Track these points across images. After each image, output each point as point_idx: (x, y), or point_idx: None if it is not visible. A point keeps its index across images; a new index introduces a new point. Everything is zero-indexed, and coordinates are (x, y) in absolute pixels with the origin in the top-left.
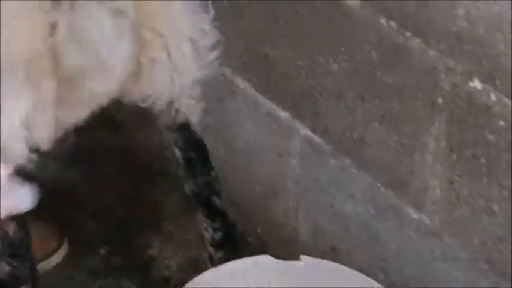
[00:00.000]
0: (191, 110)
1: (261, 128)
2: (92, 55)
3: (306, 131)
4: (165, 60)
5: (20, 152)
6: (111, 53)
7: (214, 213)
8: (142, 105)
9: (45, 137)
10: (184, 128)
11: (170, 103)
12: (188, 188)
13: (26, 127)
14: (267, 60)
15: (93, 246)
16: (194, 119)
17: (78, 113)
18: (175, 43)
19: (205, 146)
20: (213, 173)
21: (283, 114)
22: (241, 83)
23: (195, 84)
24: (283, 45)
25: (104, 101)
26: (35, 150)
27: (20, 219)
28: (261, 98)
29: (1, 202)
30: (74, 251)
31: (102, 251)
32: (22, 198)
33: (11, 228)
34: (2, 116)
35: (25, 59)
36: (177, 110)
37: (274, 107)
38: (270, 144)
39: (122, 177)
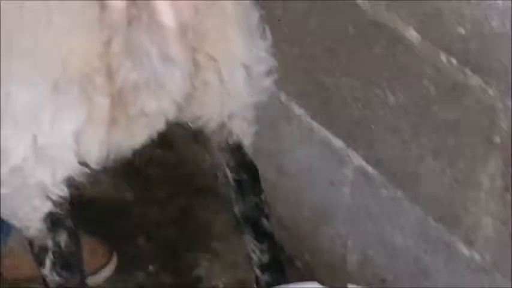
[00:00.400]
0: (243, 133)
1: (314, 155)
2: (147, 71)
3: (359, 161)
4: (217, 84)
5: (69, 164)
6: (168, 72)
7: (262, 235)
8: (193, 126)
9: (95, 155)
10: (236, 149)
11: (222, 125)
12: (237, 209)
13: (76, 141)
14: (324, 88)
15: (142, 263)
16: (246, 141)
17: (134, 137)
18: (229, 68)
19: (256, 168)
20: (262, 196)
21: (337, 143)
22: (296, 109)
23: (248, 107)
24: (341, 74)
25: (159, 124)
26: (86, 164)
27: (72, 231)
28: (315, 125)
29: None
30: (123, 266)
31: (150, 268)
32: None
33: (62, 239)
34: (55, 126)
35: (80, 75)
36: (229, 132)
37: (329, 134)
38: (322, 172)
39: (173, 196)
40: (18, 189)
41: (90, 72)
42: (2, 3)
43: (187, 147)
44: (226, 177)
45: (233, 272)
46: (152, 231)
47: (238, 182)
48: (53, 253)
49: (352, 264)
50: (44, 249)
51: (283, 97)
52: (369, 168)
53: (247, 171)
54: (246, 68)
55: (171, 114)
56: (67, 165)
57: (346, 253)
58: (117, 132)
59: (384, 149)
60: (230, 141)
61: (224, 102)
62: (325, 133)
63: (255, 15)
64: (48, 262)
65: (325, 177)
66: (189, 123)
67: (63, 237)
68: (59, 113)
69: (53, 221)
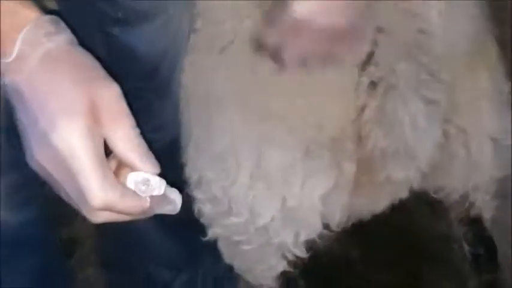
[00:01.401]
0: (485, 206)
1: None
2: (398, 140)
3: None
4: (463, 156)
5: (313, 227)
6: (418, 141)
7: None
8: (434, 195)
9: (338, 218)
10: (476, 223)
11: (465, 196)
12: (472, 283)
13: (324, 204)
14: None
15: None
16: (486, 214)
17: (376, 203)
18: (477, 141)
19: (494, 243)
20: (499, 273)
21: None
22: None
23: (493, 181)
24: None
25: (403, 191)
26: (327, 227)
27: None
28: None
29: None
30: None
31: None
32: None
33: None
34: (304, 190)
35: (333, 140)
36: (471, 204)
37: None
38: None
39: (400, 261)
40: (260, 248)
41: (342, 138)
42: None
43: (421, 213)
44: (463, 249)
45: None
46: None
47: (476, 257)
48: None
49: None
50: None
51: None
52: None
53: (486, 246)
54: (495, 141)
55: (416, 182)
56: (311, 228)
57: None
58: (360, 197)
59: None
60: (471, 214)
61: (469, 175)
62: None
63: (506, 87)
64: None
65: None
66: (432, 193)
67: None
68: (309, 177)
69: (287, 280)
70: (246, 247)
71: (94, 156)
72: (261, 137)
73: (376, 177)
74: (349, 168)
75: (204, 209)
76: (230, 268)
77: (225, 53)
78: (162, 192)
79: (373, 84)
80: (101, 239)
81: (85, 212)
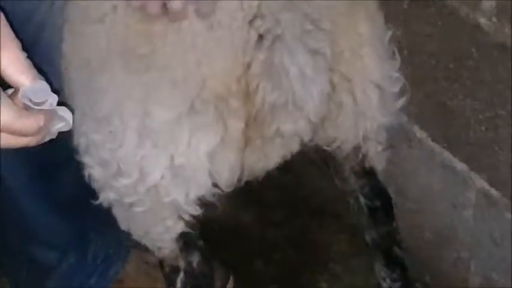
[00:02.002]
0: (377, 157)
1: (436, 178)
2: (285, 92)
3: (482, 183)
4: (350, 104)
5: (203, 184)
6: (306, 91)
7: (394, 264)
8: (327, 148)
9: (228, 176)
10: (371, 175)
11: (357, 148)
12: (369, 236)
13: (210, 162)
14: (446, 110)
15: (260, 286)
16: (379, 166)
17: (268, 159)
18: (362, 88)
19: (389, 195)
20: (395, 223)
21: (460, 166)
22: (417, 132)
23: (382, 129)
24: (464, 96)
25: (294, 145)
26: (217, 185)
27: (204, 251)
28: (437, 148)
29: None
30: None
31: None
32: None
33: (195, 260)
34: (191, 146)
35: (217, 97)
36: (364, 156)
37: (451, 157)
38: (444, 194)
39: (291, 218)
40: (152, 209)
41: (227, 95)
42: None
43: (306, 169)
44: (359, 203)
45: None
46: (270, 254)
47: (372, 210)
48: (185, 273)
49: None
50: (175, 270)
51: (404, 119)
52: (493, 191)
53: (382, 199)
54: (380, 88)
55: (307, 135)
56: (200, 186)
57: (469, 276)
58: (251, 154)
59: (509, 172)
60: (366, 166)
61: (358, 124)
62: (447, 156)
63: (387, 35)
64: (179, 283)
65: (447, 200)
66: (324, 147)
67: (195, 258)
68: (194, 134)
69: (185, 241)
70: (138, 209)
71: None
72: (145, 94)
73: (265, 131)
74: (236, 125)
75: (94, 173)
76: (119, 245)
77: (104, 22)
78: (54, 105)
79: (260, 38)
80: None
81: None
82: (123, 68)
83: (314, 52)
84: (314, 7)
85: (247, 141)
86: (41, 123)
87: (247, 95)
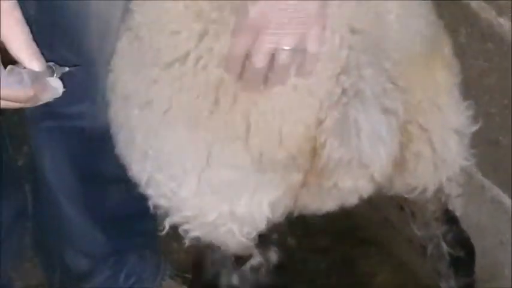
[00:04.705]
0: (458, 200)
1: (484, 213)
2: (352, 150)
3: None
4: (429, 154)
5: (260, 226)
6: (374, 151)
7: None
8: (407, 196)
9: (282, 215)
10: (453, 221)
11: (439, 191)
12: (446, 284)
13: (271, 212)
14: (498, 146)
15: None
16: (459, 210)
17: (322, 205)
18: (441, 136)
19: (472, 245)
20: (474, 276)
21: (508, 201)
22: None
23: (462, 171)
24: None
25: (351, 199)
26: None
27: None
28: (487, 183)
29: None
30: None
31: None
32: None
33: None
34: (252, 200)
35: (288, 157)
36: (447, 199)
37: (500, 193)
38: (492, 230)
39: (336, 245)
40: (209, 234)
41: (297, 154)
42: None
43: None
44: (440, 250)
45: None
46: (315, 280)
47: (454, 258)
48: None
49: None
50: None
51: None
52: None
53: (466, 249)
54: (458, 133)
55: (366, 192)
56: (256, 225)
57: None
58: (307, 195)
59: None
60: (448, 209)
61: (439, 170)
62: (497, 191)
63: (459, 78)
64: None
65: (496, 236)
66: (404, 195)
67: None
68: (259, 188)
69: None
70: (196, 233)
71: None
72: (208, 148)
73: (324, 183)
74: (298, 177)
75: (159, 203)
76: (155, 271)
77: (173, 68)
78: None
79: (342, 93)
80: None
81: None
82: (186, 121)
83: (388, 111)
84: (394, 63)
85: (304, 184)
86: (30, 94)
87: (314, 150)
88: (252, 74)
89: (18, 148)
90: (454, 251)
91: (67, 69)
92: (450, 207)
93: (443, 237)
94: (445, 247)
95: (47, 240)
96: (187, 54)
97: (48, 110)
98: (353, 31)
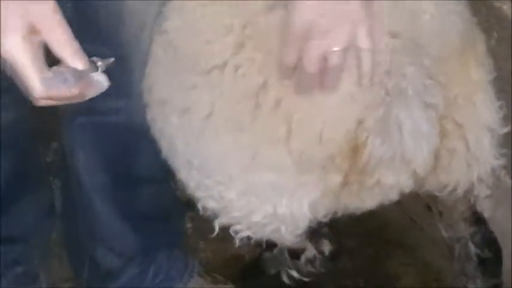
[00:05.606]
0: (486, 201)
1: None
2: (395, 146)
3: None
4: (463, 150)
5: (302, 226)
6: (416, 145)
7: None
8: (438, 194)
9: (323, 216)
10: (481, 223)
11: (469, 192)
12: (473, 286)
13: (311, 211)
14: None
15: None
16: (487, 211)
17: (364, 202)
18: (475, 133)
19: (500, 247)
20: (501, 277)
21: None
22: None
23: (494, 171)
24: None
25: (393, 194)
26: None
27: None
28: None
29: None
30: None
31: None
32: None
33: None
34: (292, 200)
35: (327, 158)
36: (476, 200)
37: None
38: None
39: (363, 247)
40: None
41: (336, 154)
42: None
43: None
44: (468, 250)
45: None
46: (340, 284)
47: (482, 259)
48: None
49: None
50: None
51: None
52: None
53: (493, 250)
54: (491, 131)
55: (408, 187)
56: (299, 227)
57: None
58: (347, 195)
59: None
60: (477, 210)
61: (471, 168)
62: None
63: (493, 76)
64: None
65: None
66: (435, 193)
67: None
68: (298, 189)
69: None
70: (246, 233)
71: (31, 59)
72: (250, 152)
73: (366, 181)
74: (338, 178)
75: (207, 205)
76: (183, 269)
77: (211, 75)
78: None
79: (386, 93)
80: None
81: (31, 99)
82: (230, 126)
83: (428, 106)
84: (433, 59)
85: (345, 184)
86: (76, 93)
87: (355, 149)
88: (306, 79)
89: (47, 145)
90: (482, 252)
91: (112, 59)
92: (478, 209)
93: (471, 238)
94: (473, 248)
95: (77, 237)
96: (224, 64)
97: (82, 106)
98: (393, 35)
